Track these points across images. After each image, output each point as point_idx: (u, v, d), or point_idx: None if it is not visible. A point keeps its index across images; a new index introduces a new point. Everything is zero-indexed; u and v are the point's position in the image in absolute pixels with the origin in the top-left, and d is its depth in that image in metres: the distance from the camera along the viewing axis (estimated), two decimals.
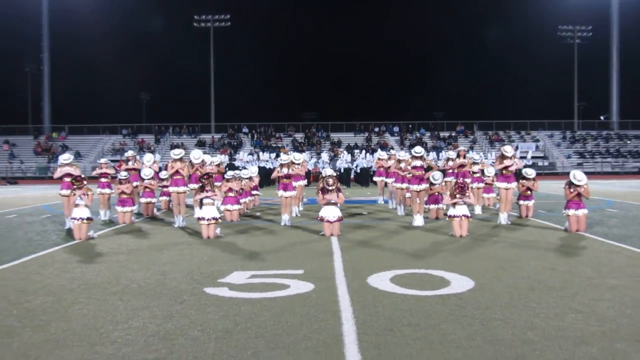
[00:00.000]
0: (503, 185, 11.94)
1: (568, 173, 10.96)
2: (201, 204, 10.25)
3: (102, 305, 5.40)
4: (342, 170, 30.93)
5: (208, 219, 9.87)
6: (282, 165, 12.37)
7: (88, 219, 9.83)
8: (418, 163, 12.08)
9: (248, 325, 4.69)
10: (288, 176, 12.21)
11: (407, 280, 6.35)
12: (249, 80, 68.14)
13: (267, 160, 31.14)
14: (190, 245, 9.19)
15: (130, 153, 14.59)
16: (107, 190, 13.15)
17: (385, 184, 16.22)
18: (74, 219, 9.81)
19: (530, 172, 12.88)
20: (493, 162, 14.13)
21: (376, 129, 53.70)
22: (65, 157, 12.08)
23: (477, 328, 4.55)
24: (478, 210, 13.64)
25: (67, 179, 11.51)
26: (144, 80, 68.74)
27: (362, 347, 4.12)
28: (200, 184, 10.52)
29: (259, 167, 30.15)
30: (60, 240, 9.77)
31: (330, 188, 10.20)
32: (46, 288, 6.13)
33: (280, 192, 12.13)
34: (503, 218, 11.78)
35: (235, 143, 50.24)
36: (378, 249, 8.69)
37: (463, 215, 9.83)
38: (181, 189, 11.93)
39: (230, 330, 4.55)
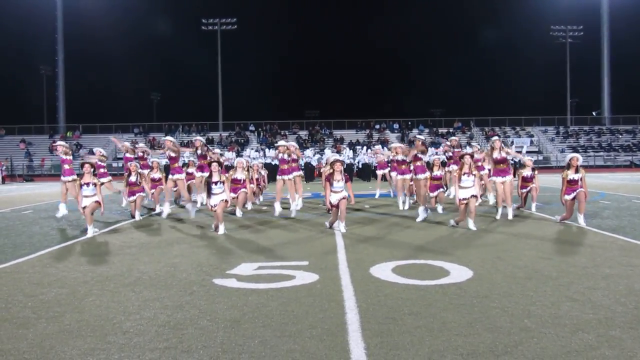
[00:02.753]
0: (499, 179, 11.61)
1: (562, 167, 10.94)
2: (209, 192, 10.13)
3: (114, 296, 5.52)
4: (344, 166, 31.26)
5: (217, 203, 9.86)
6: (278, 150, 12.64)
7: (97, 202, 9.99)
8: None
9: (255, 314, 4.79)
10: (286, 162, 12.46)
11: (408, 270, 6.46)
12: (255, 80, 69.34)
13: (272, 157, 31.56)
14: (199, 239, 9.32)
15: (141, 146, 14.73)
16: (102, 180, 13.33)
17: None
18: (85, 207, 9.90)
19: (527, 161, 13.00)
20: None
21: (377, 126, 54.08)
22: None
23: (476, 316, 4.63)
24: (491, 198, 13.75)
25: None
26: (154, 81, 70.17)
27: (366, 335, 4.20)
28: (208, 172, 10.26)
29: (265, 163, 30.66)
30: (74, 235, 9.91)
31: (337, 179, 9.95)
32: (61, 281, 6.25)
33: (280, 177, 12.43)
34: (509, 213, 11.39)
35: (242, 140, 50.53)
36: (380, 241, 8.81)
37: (471, 195, 9.83)
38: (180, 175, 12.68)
39: (238, 320, 4.64)
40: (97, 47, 62.35)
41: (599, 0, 56.22)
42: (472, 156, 10.51)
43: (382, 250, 7.87)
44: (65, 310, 5.04)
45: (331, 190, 10.04)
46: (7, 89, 61.60)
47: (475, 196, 9.97)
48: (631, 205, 13.62)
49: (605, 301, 5.04)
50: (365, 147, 35.80)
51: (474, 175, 10.08)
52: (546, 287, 5.57)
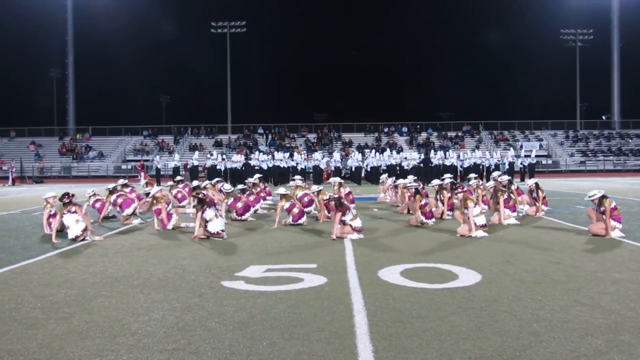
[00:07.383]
0: None
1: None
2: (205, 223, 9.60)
3: (123, 298, 5.54)
4: (353, 169, 31.36)
5: (213, 233, 9.49)
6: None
7: (83, 230, 9.46)
8: (423, 201, 11.31)
9: (263, 317, 4.79)
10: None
11: (416, 274, 6.44)
12: (264, 83, 69.69)
13: (281, 160, 31.77)
14: (207, 242, 9.31)
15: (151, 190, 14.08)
16: None
17: None
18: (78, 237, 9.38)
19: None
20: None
21: (385, 129, 54.27)
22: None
23: (485, 320, 4.62)
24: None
25: None
26: (163, 83, 70.90)
27: (373, 338, 4.20)
28: (199, 199, 9.71)
29: (273, 165, 30.92)
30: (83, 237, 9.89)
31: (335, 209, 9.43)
32: (70, 282, 6.29)
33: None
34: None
35: (251, 143, 50.77)
36: (388, 245, 8.79)
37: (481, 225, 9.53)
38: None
39: (246, 322, 4.65)
40: (107, 49, 63.24)
41: (609, 4, 56.19)
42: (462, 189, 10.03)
43: (391, 254, 7.85)
44: (75, 311, 5.07)
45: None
46: (17, 91, 62.44)
47: (485, 225, 9.58)
48: None
49: (614, 306, 5.02)
50: (373, 151, 35.79)
51: (467, 208, 9.47)
52: (555, 292, 5.54)
